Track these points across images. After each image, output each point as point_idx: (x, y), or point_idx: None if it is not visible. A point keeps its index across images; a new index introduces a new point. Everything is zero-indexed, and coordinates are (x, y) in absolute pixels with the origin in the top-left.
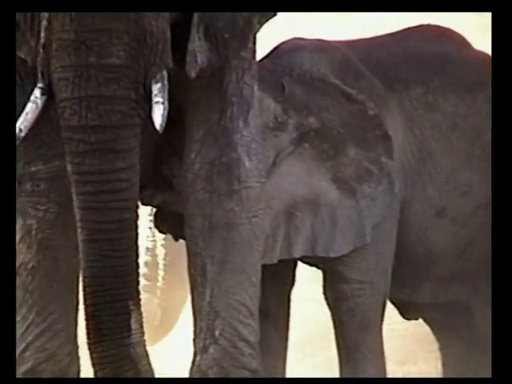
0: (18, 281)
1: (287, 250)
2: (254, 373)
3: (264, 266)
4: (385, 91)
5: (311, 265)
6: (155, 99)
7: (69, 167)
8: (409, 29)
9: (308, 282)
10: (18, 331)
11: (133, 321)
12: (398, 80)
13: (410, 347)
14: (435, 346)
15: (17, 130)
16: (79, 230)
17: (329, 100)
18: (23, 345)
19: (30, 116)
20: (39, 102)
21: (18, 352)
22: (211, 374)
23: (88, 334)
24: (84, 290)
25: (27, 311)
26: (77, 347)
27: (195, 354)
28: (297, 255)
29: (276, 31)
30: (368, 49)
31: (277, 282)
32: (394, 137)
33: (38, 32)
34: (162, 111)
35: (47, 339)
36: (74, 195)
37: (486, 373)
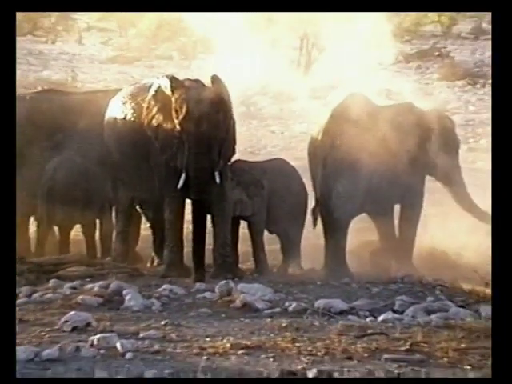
0: None
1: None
2: (229, 257)
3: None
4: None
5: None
6: (217, 178)
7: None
8: (265, 161)
9: None
10: None
11: None
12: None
13: None
14: None
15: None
16: None
17: (246, 177)
18: None
19: (183, 180)
20: (184, 176)
21: None
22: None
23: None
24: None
25: None
26: None
27: (214, 245)
28: (235, 214)
29: None
30: (256, 165)
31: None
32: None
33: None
34: (218, 181)
35: None
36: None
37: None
